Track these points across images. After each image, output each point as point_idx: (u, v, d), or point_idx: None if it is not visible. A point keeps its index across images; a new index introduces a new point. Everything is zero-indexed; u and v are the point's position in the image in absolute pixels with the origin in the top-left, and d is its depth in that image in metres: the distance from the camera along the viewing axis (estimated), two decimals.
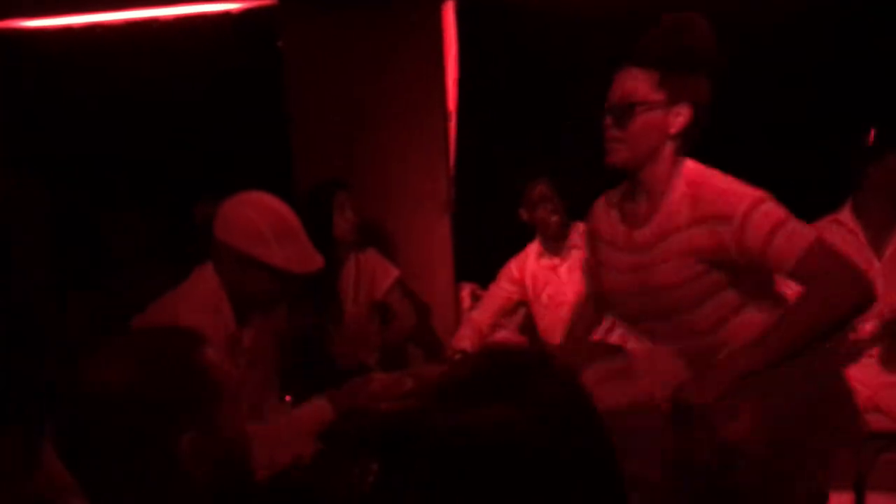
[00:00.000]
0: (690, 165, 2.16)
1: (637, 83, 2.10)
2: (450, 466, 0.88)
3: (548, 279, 3.72)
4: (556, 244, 3.69)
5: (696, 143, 2.18)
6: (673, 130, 2.11)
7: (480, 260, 4.10)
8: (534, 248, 3.78)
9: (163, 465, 1.23)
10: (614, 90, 2.14)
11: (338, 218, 3.53)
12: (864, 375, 3.01)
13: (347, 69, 4.04)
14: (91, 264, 3.83)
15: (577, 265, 3.52)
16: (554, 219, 3.61)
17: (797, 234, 1.99)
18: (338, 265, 3.58)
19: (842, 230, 3.15)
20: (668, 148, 2.13)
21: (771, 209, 2.01)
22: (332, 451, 2.37)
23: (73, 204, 4.09)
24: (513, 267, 3.80)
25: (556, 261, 3.70)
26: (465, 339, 3.81)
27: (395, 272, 3.73)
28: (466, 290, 4.26)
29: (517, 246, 3.85)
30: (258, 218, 2.22)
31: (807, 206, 3.22)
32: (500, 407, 0.89)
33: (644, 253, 2.17)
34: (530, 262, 3.78)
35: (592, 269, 2.44)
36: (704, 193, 2.08)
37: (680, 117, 2.11)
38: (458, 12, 4.03)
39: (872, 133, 3.17)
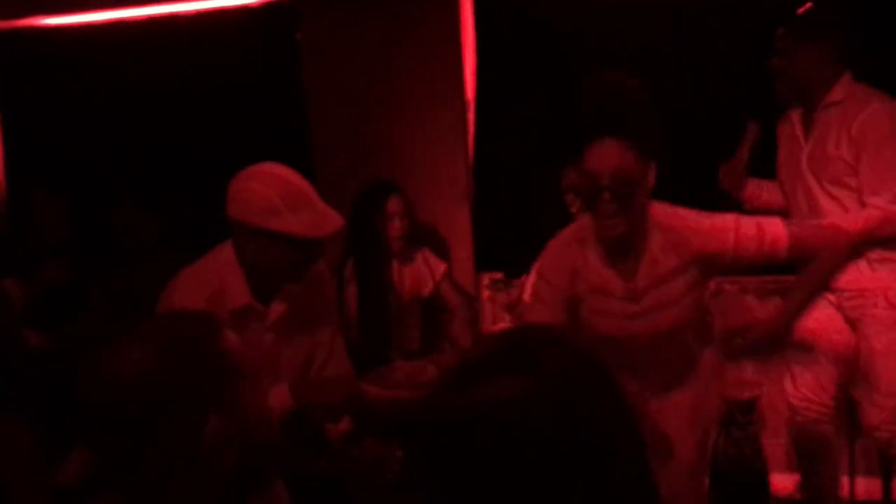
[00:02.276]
0: (657, 208, 2.28)
1: (625, 160, 2.12)
2: (461, 451, 0.87)
3: None
4: None
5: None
6: (650, 187, 2.20)
7: (501, 249, 4.11)
8: None
9: (186, 452, 1.25)
10: (603, 165, 2.13)
11: (388, 225, 3.46)
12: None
13: (365, 60, 4.05)
14: (103, 260, 3.85)
15: None
16: None
17: (774, 225, 2.28)
18: (385, 267, 3.53)
19: (784, 123, 3.16)
20: (647, 203, 2.23)
21: (745, 218, 2.29)
22: (359, 439, 2.39)
23: (87, 202, 4.13)
24: None
25: None
26: None
27: (441, 267, 3.67)
28: (487, 280, 4.25)
29: (537, 234, 3.84)
30: (267, 189, 2.18)
31: None
32: (508, 380, 0.88)
33: (640, 302, 2.30)
34: None
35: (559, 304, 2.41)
36: (686, 236, 2.24)
37: (651, 174, 2.19)
38: (475, 1, 4.03)
39: None
